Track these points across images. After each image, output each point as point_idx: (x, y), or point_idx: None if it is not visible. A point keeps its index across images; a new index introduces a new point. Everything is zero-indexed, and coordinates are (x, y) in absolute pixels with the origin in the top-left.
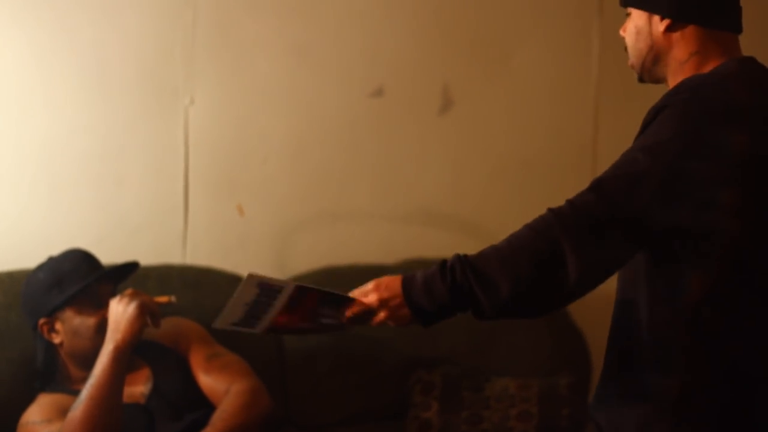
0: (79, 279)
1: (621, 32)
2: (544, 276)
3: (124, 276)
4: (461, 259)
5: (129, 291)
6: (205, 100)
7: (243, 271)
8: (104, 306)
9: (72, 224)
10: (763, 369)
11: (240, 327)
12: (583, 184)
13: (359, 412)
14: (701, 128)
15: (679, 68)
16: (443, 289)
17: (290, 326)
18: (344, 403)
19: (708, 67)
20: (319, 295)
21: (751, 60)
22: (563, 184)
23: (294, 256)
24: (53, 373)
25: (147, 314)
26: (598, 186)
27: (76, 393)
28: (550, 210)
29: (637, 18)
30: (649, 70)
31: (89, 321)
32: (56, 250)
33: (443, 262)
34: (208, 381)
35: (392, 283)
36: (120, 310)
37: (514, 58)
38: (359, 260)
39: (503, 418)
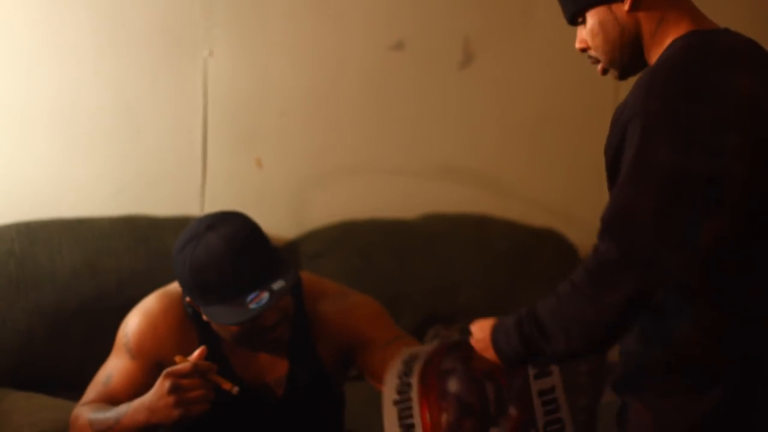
0: (220, 299)
1: (578, 45)
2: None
3: (276, 299)
4: (529, 313)
5: (184, 367)
6: (225, 52)
7: (261, 224)
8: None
9: (90, 175)
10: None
11: None
12: (602, 140)
13: None
14: (701, 74)
15: (651, 42)
16: (517, 340)
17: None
18: None
19: (676, 31)
20: (446, 347)
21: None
22: (582, 140)
23: (312, 210)
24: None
25: (186, 412)
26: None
27: (200, 328)
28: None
29: (595, 17)
30: (629, 58)
31: (232, 329)
32: (74, 201)
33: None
34: None
35: (485, 325)
36: (160, 393)
37: (537, 12)
38: (377, 215)
39: None
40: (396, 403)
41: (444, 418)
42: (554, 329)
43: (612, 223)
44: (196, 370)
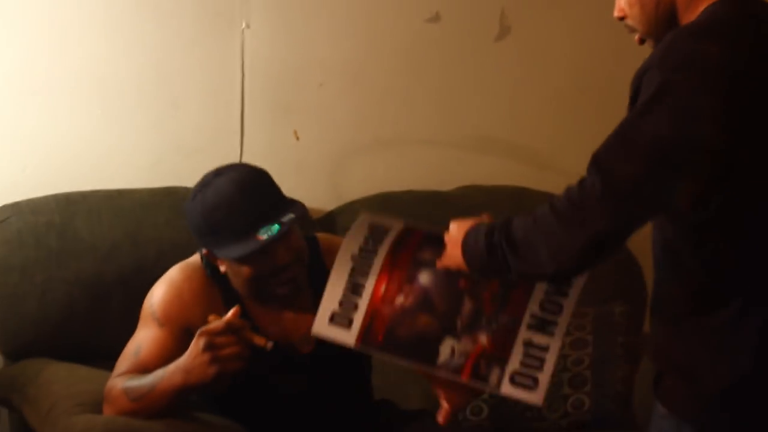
0: (233, 237)
1: (616, 14)
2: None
3: (285, 228)
4: (503, 224)
5: (218, 325)
6: (262, 24)
7: (298, 196)
8: (264, 253)
9: (128, 147)
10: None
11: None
12: None
13: None
14: (678, 44)
15: (685, 12)
16: (484, 245)
17: (387, 314)
18: None
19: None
20: (424, 234)
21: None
22: (619, 111)
23: (349, 181)
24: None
25: (223, 369)
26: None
27: (222, 286)
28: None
29: None
30: (664, 28)
31: (245, 269)
32: (113, 172)
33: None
34: None
35: (463, 224)
36: (194, 352)
37: None
38: (415, 186)
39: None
40: (353, 258)
41: (400, 300)
42: (522, 245)
43: (602, 157)
44: (229, 328)
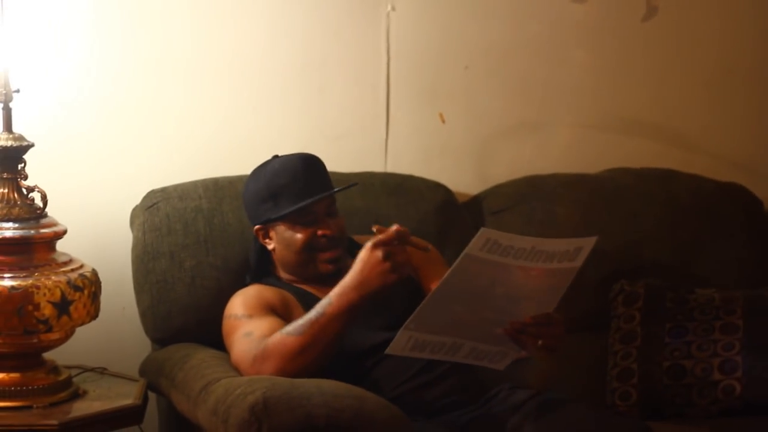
0: (293, 197)
1: None
2: None
3: (336, 192)
4: None
5: (392, 234)
6: (407, 7)
7: (443, 179)
8: (317, 222)
9: (274, 132)
10: None
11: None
12: None
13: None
14: None
15: None
16: None
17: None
18: None
19: None
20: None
21: None
22: None
23: (495, 164)
24: (263, 271)
25: (400, 275)
26: None
27: (281, 285)
28: None
29: None
30: None
31: (298, 236)
32: (259, 157)
33: None
34: None
35: None
36: (373, 261)
37: None
38: (561, 169)
39: (707, 330)
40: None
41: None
42: None
43: None
44: (397, 236)
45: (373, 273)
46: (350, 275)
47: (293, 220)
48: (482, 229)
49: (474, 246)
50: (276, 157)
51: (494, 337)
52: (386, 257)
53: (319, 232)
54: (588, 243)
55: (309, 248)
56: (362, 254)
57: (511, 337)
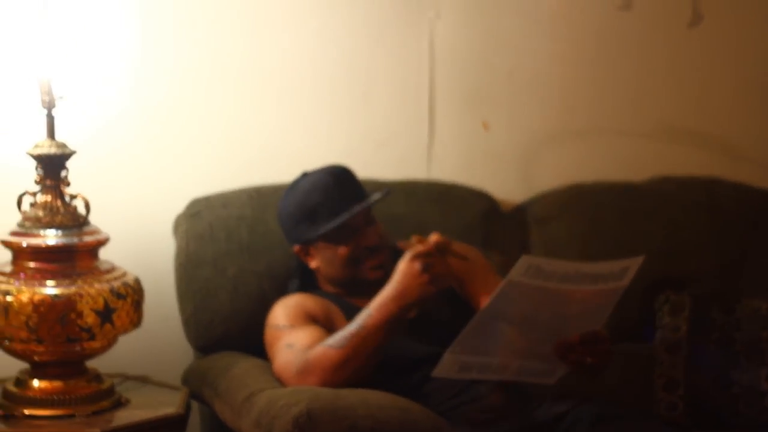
0: (329, 214)
1: None
2: None
3: (374, 204)
4: None
5: (431, 247)
6: (451, 14)
7: (487, 187)
8: (357, 234)
9: (318, 138)
10: None
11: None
12: None
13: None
14: None
15: None
16: None
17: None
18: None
19: None
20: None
21: None
22: None
23: (539, 172)
24: (307, 286)
25: (439, 286)
26: None
27: (323, 295)
28: None
29: None
30: None
31: (341, 251)
32: (302, 164)
33: None
34: None
35: None
36: (413, 272)
37: None
38: (606, 177)
39: (754, 339)
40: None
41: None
42: None
43: None
44: (437, 247)
45: (412, 285)
46: (389, 286)
47: (332, 237)
48: (523, 257)
49: (516, 272)
50: (305, 175)
51: (542, 356)
52: (425, 269)
53: (361, 244)
54: (634, 263)
55: (353, 261)
56: (401, 266)
57: (558, 356)
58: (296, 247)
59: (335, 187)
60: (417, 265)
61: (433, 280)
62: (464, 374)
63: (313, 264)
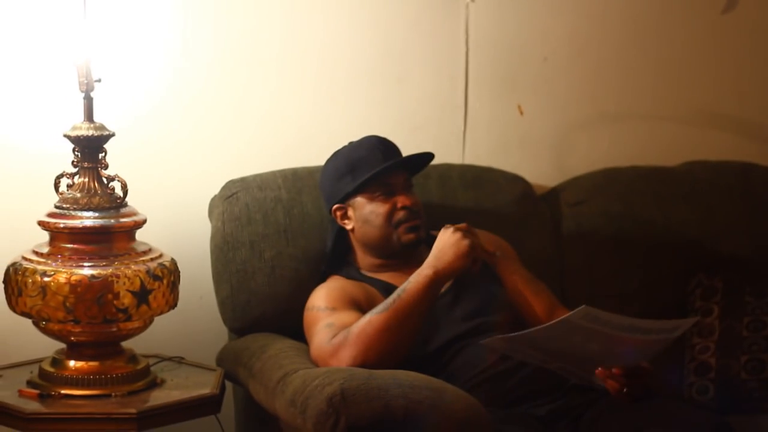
0: (372, 167)
1: None
2: None
3: (419, 167)
4: None
5: (465, 225)
6: None
7: (521, 171)
8: (396, 194)
9: (353, 122)
10: None
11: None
12: None
13: (637, 316)
14: None
15: None
16: None
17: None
18: (623, 307)
19: None
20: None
21: None
22: None
23: (573, 156)
24: (342, 257)
25: (473, 256)
26: None
27: (362, 279)
28: None
29: None
30: None
31: (380, 209)
32: (337, 148)
33: None
34: (534, 302)
35: None
36: (451, 241)
37: None
38: (639, 162)
39: None
40: None
41: None
42: None
43: None
44: (469, 229)
45: (450, 250)
46: (429, 256)
47: (372, 192)
48: (584, 306)
49: (574, 316)
50: (351, 143)
51: (584, 369)
52: (465, 235)
53: (399, 204)
54: (687, 323)
55: (390, 220)
56: (441, 235)
57: (600, 377)
58: (335, 207)
59: (379, 145)
60: (456, 233)
61: (471, 247)
62: (508, 350)
63: (350, 225)
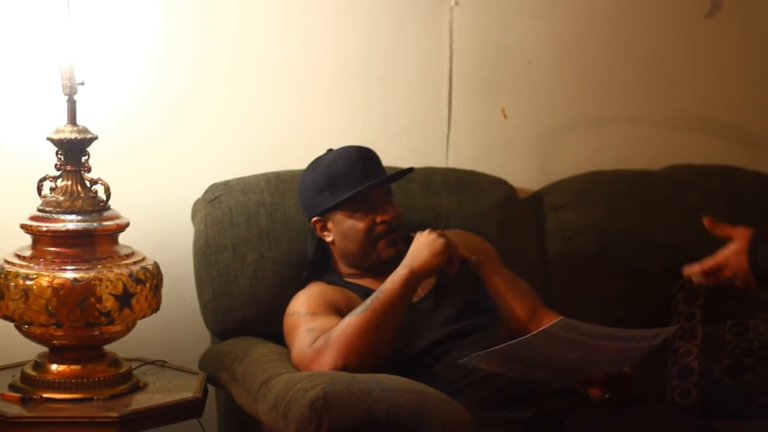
0: (351, 184)
1: None
2: None
3: (397, 179)
4: None
5: (440, 231)
6: (470, 2)
7: (505, 175)
8: (376, 209)
9: (336, 125)
10: None
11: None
12: None
13: (621, 320)
14: None
15: None
16: None
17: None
18: (606, 310)
19: None
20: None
21: None
22: None
23: (557, 160)
24: (322, 266)
25: (448, 256)
26: None
27: (343, 284)
28: None
29: None
30: None
31: (359, 225)
32: (321, 151)
33: None
34: (516, 303)
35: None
36: (427, 241)
37: None
38: (623, 166)
39: None
40: None
41: None
42: None
43: None
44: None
45: (426, 249)
46: (406, 256)
47: (351, 208)
48: (562, 318)
49: (553, 327)
50: (330, 150)
51: (565, 377)
52: (441, 235)
53: (378, 219)
54: (667, 331)
55: (370, 236)
56: (418, 236)
57: (581, 384)
58: (314, 219)
59: (359, 160)
60: (432, 234)
61: (445, 245)
62: (489, 366)
63: (329, 238)
